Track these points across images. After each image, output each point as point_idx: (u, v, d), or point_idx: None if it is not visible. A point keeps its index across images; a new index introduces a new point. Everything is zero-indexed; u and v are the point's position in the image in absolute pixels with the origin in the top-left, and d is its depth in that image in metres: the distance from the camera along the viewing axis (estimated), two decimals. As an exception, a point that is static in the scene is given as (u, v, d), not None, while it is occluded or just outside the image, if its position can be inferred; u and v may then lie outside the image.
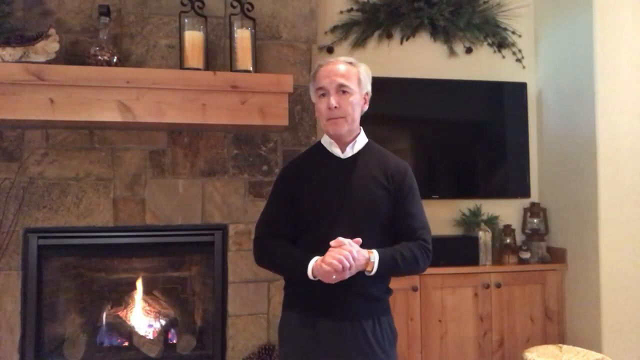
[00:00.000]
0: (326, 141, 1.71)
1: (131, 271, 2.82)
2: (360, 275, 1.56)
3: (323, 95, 1.64)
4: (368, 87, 1.70)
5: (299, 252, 1.61)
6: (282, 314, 1.73)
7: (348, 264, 1.47)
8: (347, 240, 1.52)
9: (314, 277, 1.54)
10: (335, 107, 1.60)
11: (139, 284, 2.80)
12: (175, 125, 2.49)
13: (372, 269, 1.54)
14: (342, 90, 1.62)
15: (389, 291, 1.69)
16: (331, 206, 1.61)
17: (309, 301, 1.61)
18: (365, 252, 1.54)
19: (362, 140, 1.71)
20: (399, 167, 1.69)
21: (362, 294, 1.60)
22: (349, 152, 1.68)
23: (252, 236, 2.63)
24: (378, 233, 1.62)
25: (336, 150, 1.68)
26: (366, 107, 1.71)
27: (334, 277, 1.49)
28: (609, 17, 2.83)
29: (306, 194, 1.64)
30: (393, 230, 1.66)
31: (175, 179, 2.61)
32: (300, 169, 1.71)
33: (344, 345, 1.58)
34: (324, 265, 1.48)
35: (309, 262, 1.55)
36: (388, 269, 1.57)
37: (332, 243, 1.52)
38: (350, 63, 1.66)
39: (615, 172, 2.79)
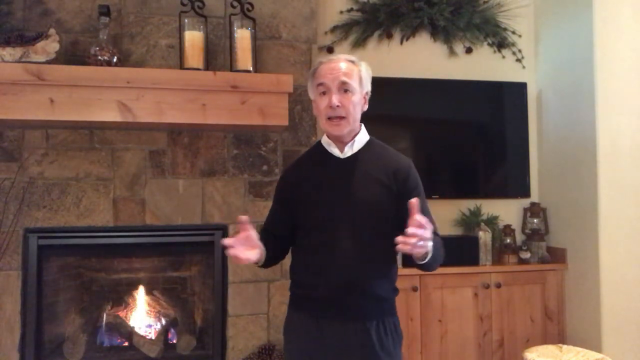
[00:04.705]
0: (325, 141, 1.67)
1: (131, 271, 2.82)
2: (367, 274, 1.55)
3: (324, 93, 1.60)
4: (368, 87, 1.67)
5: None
6: (287, 313, 1.71)
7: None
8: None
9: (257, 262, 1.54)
10: (338, 105, 1.56)
11: (140, 284, 2.80)
12: (175, 125, 2.49)
13: (427, 257, 1.47)
14: (344, 88, 1.58)
15: (396, 291, 1.65)
16: (331, 208, 1.57)
17: (313, 302, 1.59)
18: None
19: (362, 138, 1.66)
20: (401, 164, 1.63)
21: (368, 295, 1.56)
22: (348, 151, 1.63)
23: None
24: (380, 234, 1.57)
25: (335, 151, 1.64)
26: (366, 106, 1.68)
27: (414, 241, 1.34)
28: (609, 17, 2.83)
29: (305, 197, 1.62)
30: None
31: (175, 179, 2.61)
32: (298, 172, 1.69)
33: (347, 346, 1.55)
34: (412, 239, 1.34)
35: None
36: (435, 259, 1.51)
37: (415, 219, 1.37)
38: (352, 61, 1.63)
39: (615, 172, 2.79)
